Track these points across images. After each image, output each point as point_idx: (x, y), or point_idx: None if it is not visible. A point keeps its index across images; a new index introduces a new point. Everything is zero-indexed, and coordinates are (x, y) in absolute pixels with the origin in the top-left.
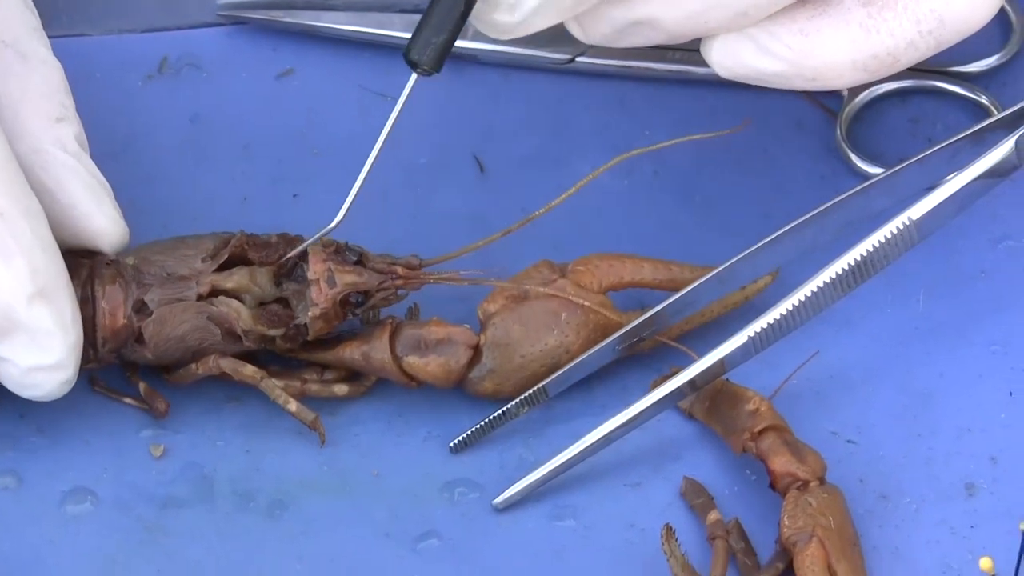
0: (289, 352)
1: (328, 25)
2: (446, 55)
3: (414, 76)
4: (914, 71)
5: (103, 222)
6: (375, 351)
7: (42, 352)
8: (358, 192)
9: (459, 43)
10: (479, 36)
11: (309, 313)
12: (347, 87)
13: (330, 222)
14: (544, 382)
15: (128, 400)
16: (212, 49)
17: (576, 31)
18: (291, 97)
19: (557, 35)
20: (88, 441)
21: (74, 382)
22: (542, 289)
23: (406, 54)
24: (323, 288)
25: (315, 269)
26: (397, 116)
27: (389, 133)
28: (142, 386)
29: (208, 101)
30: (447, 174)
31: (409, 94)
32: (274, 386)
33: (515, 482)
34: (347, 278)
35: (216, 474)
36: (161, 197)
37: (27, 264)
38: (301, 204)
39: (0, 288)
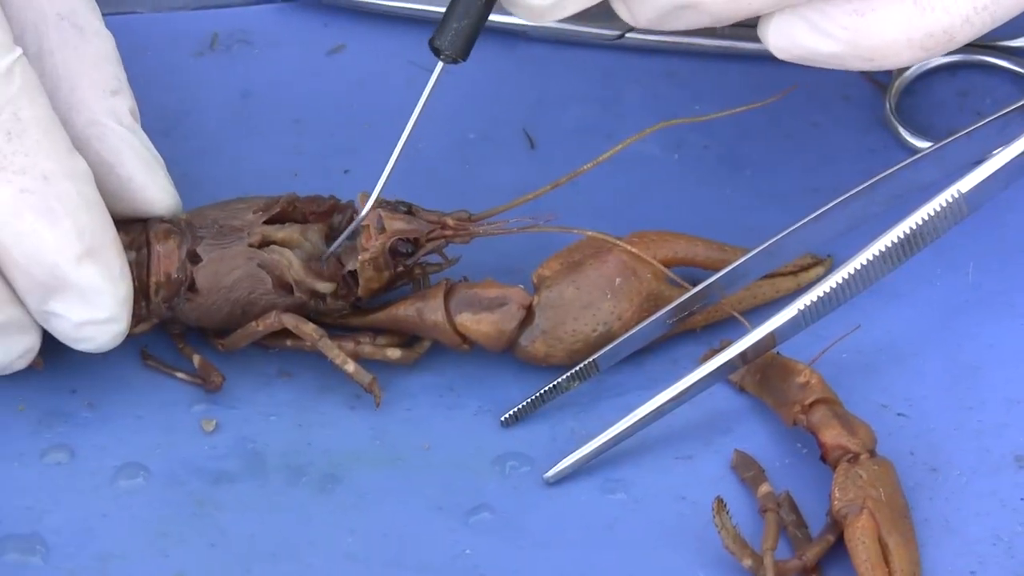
0: (340, 318)
1: (377, 1)
2: (472, 42)
3: (440, 64)
4: (963, 45)
5: (157, 194)
6: (429, 308)
7: (93, 308)
8: (391, 171)
9: (508, 19)
10: None
11: (359, 257)
12: (397, 63)
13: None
14: (595, 356)
15: (180, 375)
16: (262, 26)
17: (624, 14)
18: (341, 73)
19: (606, 10)
20: (140, 416)
21: (127, 333)
22: (591, 232)
23: (431, 41)
24: (372, 233)
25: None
26: (426, 101)
27: (427, 110)
28: (196, 359)
29: (259, 77)
30: (497, 149)
31: (437, 80)
32: (332, 346)
33: (566, 455)
34: (396, 224)
35: (268, 448)
36: (212, 172)
37: (73, 225)
38: (352, 179)
39: (48, 250)
